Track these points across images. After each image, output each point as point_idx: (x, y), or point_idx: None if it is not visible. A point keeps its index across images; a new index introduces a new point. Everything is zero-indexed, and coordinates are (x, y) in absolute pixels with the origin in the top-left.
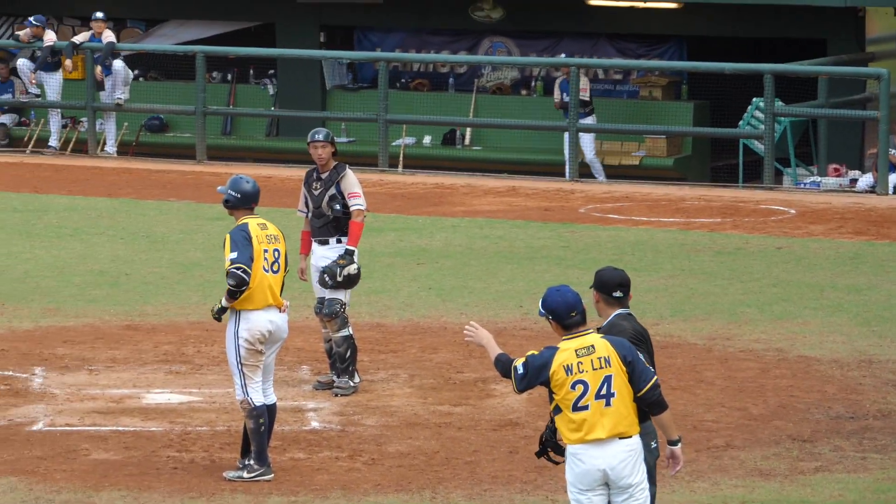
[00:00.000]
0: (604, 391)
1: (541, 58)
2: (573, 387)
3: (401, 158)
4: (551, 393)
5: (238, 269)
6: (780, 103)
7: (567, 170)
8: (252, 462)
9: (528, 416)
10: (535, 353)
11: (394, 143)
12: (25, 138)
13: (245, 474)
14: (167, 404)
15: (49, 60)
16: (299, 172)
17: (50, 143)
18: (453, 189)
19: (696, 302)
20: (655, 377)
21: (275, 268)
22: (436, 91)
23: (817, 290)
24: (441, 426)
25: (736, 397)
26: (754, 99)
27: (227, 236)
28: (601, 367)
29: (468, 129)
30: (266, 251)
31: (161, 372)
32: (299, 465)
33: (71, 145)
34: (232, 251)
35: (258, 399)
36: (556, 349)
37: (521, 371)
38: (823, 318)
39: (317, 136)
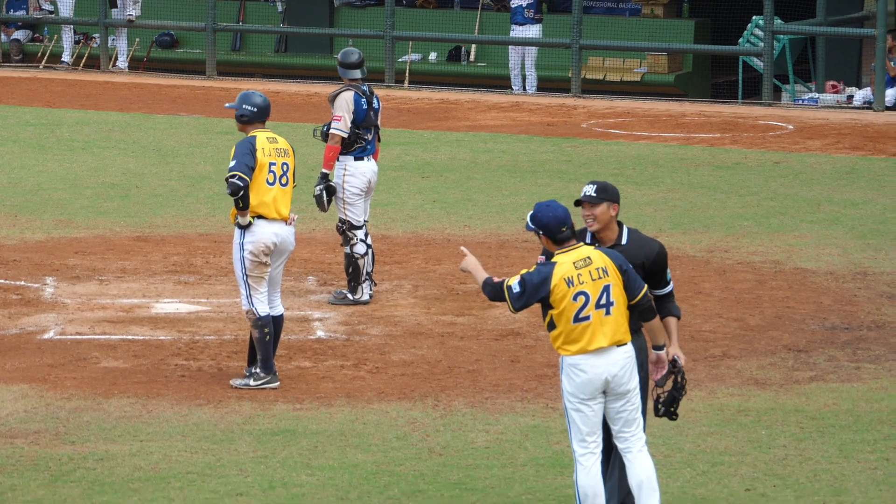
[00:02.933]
0: (603, 300)
1: None
2: (575, 298)
3: (407, 74)
4: (547, 308)
5: (233, 176)
6: (780, 21)
7: (514, 83)
8: (258, 370)
9: (530, 326)
10: (531, 270)
11: (400, 60)
12: (39, 54)
13: (251, 382)
14: (176, 314)
15: None
16: (307, 88)
17: (63, 59)
18: (458, 104)
19: (695, 215)
20: (646, 285)
21: (283, 181)
22: (441, 8)
23: (814, 203)
24: (444, 336)
25: (733, 308)
26: (754, 17)
27: (234, 147)
28: (600, 278)
29: (473, 46)
30: (274, 164)
31: (170, 282)
32: (305, 374)
33: (83, 61)
34: (232, 160)
35: (263, 310)
36: (553, 264)
37: (517, 290)
38: (819, 231)
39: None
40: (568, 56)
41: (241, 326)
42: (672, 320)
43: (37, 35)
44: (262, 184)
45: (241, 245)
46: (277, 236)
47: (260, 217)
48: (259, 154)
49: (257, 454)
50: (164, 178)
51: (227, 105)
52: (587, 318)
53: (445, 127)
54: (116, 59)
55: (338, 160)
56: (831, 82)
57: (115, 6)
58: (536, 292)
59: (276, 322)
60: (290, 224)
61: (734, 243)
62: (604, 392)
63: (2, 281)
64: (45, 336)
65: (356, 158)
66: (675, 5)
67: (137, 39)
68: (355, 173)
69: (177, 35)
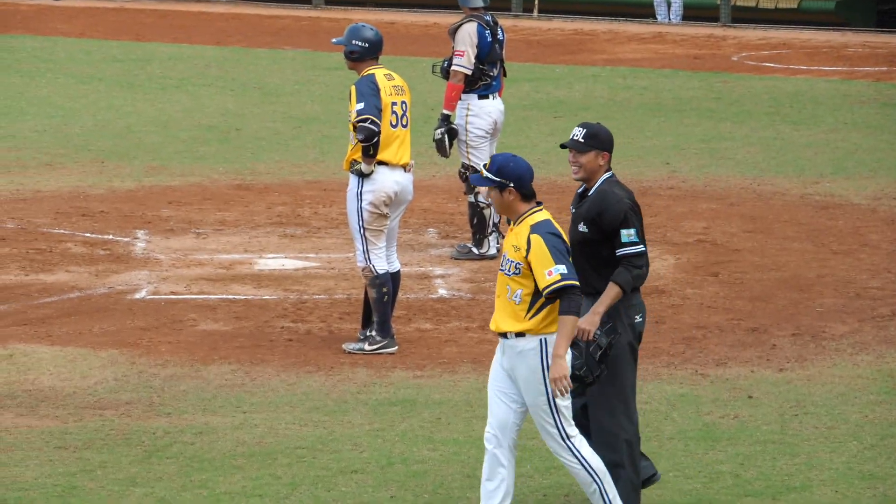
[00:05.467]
0: None
1: None
2: None
3: (535, 2)
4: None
5: (364, 120)
6: None
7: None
8: (374, 333)
9: (676, 283)
10: (542, 242)
11: None
12: None
13: (366, 346)
14: (281, 270)
15: None
16: (425, 18)
17: None
18: (593, 35)
19: (860, 158)
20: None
21: (403, 121)
22: None
23: None
24: None
25: None
26: None
27: (353, 87)
28: None
29: None
30: (395, 104)
31: (274, 235)
32: (426, 337)
33: None
34: (358, 102)
35: (381, 266)
36: (550, 220)
37: (566, 269)
38: None
39: None
40: None
41: (354, 284)
42: (611, 286)
43: None
44: (386, 126)
45: (359, 195)
46: (398, 184)
47: (381, 163)
48: (382, 94)
49: (373, 427)
50: (267, 119)
51: (334, 40)
52: None
53: (580, 61)
54: None
55: (460, 99)
56: None
57: None
58: (570, 251)
59: (394, 279)
60: (409, 171)
61: None
62: None
63: (89, 235)
64: (137, 296)
65: (480, 97)
66: None
67: None
68: (479, 113)
69: None
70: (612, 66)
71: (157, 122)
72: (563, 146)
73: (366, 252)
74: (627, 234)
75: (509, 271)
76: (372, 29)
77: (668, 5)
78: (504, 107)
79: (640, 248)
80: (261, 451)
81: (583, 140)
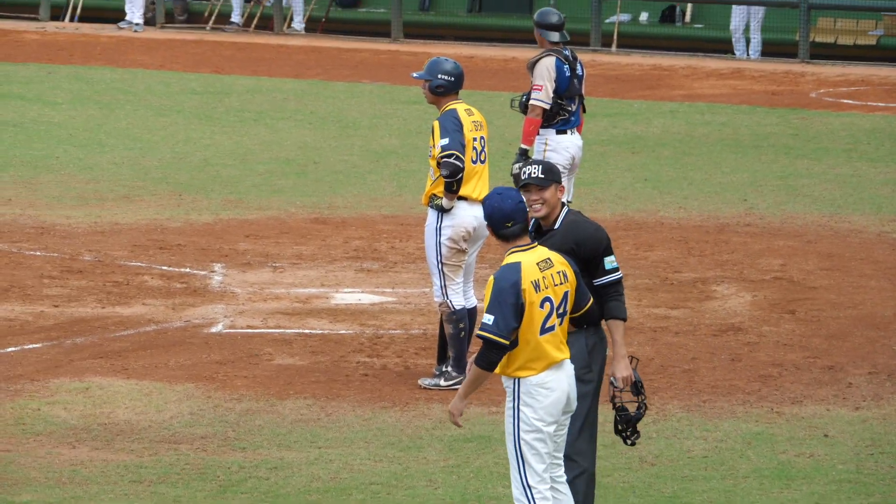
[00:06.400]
0: (562, 309)
1: None
2: (542, 305)
3: (615, 37)
4: None
5: (449, 156)
6: None
7: (737, 47)
8: (450, 369)
9: (752, 320)
10: (491, 286)
11: (607, 21)
12: (206, 13)
13: (442, 382)
14: (357, 305)
15: None
16: (504, 52)
17: (232, 19)
18: (672, 71)
19: None
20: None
21: (482, 157)
22: None
23: None
24: (656, 331)
25: None
26: None
27: (436, 122)
28: (561, 283)
29: (689, 5)
30: (475, 140)
31: (351, 270)
32: None
33: (255, 21)
34: (442, 137)
35: (458, 302)
36: (518, 265)
37: (491, 322)
38: None
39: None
40: (795, 17)
41: (430, 320)
42: (617, 324)
43: None
44: (467, 162)
45: (439, 230)
46: (477, 220)
47: (460, 199)
48: (464, 129)
49: (448, 463)
50: (345, 152)
51: (415, 74)
52: (552, 328)
53: (658, 96)
54: (292, 19)
55: (538, 134)
56: None
57: None
58: (516, 303)
59: (470, 315)
60: None
61: None
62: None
63: (165, 268)
64: (213, 329)
65: (558, 132)
66: None
67: None
68: (557, 148)
69: None
70: (690, 101)
71: (235, 154)
72: (523, 185)
73: (443, 287)
74: (610, 260)
75: None
76: (454, 63)
77: (747, 41)
78: (582, 142)
79: (621, 274)
80: (335, 486)
81: (542, 175)
